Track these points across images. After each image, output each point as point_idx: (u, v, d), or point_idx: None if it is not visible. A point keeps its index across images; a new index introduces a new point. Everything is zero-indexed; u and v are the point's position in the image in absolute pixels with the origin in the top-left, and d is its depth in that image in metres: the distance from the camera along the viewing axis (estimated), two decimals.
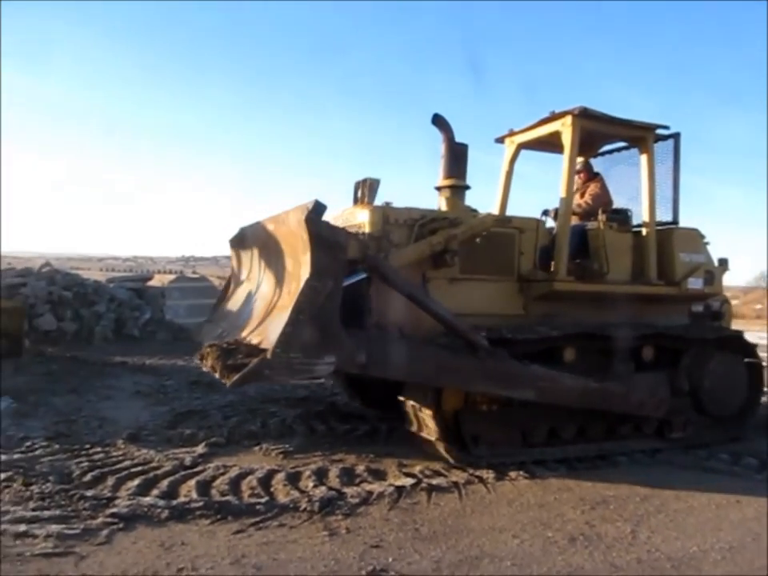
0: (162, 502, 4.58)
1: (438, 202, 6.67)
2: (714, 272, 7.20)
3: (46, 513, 4.41)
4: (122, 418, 7.16)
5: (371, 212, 5.80)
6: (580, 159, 7.27)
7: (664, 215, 7.33)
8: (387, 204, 5.95)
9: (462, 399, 5.70)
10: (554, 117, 6.71)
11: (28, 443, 6.06)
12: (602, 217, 6.78)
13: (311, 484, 5.08)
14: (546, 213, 6.95)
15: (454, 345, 5.41)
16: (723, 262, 7.44)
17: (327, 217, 4.90)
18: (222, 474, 5.28)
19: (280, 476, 5.25)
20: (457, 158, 6.58)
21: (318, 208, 4.63)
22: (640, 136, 6.98)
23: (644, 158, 7.04)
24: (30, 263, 18.15)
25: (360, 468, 5.55)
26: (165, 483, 5.00)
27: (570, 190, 6.59)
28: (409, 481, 5.22)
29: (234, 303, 6.86)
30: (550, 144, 7.09)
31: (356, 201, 6.10)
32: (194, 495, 4.75)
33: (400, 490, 5.02)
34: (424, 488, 5.11)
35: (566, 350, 6.04)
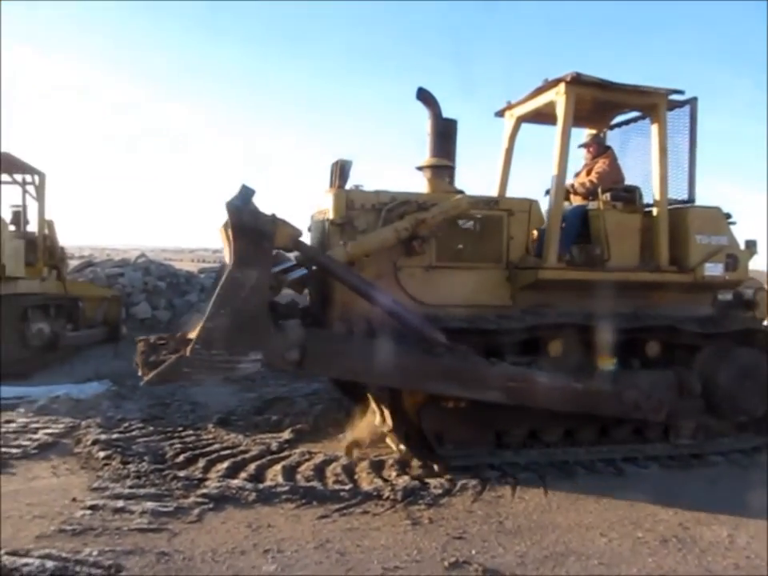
0: (249, 485, 4.70)
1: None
2: (737, 256, 6.26)
3: (142, 491, 4.61)
4: (212, 403, 7.39)
5: (334, 196, 5.43)
6: (590, 132, 6.77)
7: (679, 193, 6.52)
8: (356, 187, 5.54)
9: (426, 394, 5.25)
10: (548, 86, 5.98)
11: (126, 424, 6.36)
12: (602, 196, 6.09)
13: (394, 473, 5.10)
14: (549, 193, 6.30)
15: (407, 341, 4.92)
16: (751, 245, 6.49)
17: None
18: (307, 460, 5.38)
19: (364, 464, 5.30)
20: (444, 135, 6.07)
21: (244, 193, 4.42)
22: (650, 103, 6.10)
23: (655, 127, 6.13)
24: (127, 255, 19.01)
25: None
26: (252, 467, 5.13)
27: (562, 165, 5.82)
28: (493, 473, 5.15)
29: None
30: (550, 116, 6.22)
31: (331, 184, 5.71)
32: (280, 480, 4.85)
33: (484, 482, 4.97)
34: (509, 481, 5.03)
35: (551, 344, 5.50)
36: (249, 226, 4.34)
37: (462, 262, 5.64)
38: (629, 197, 6.28)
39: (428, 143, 6.11)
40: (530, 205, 5.87)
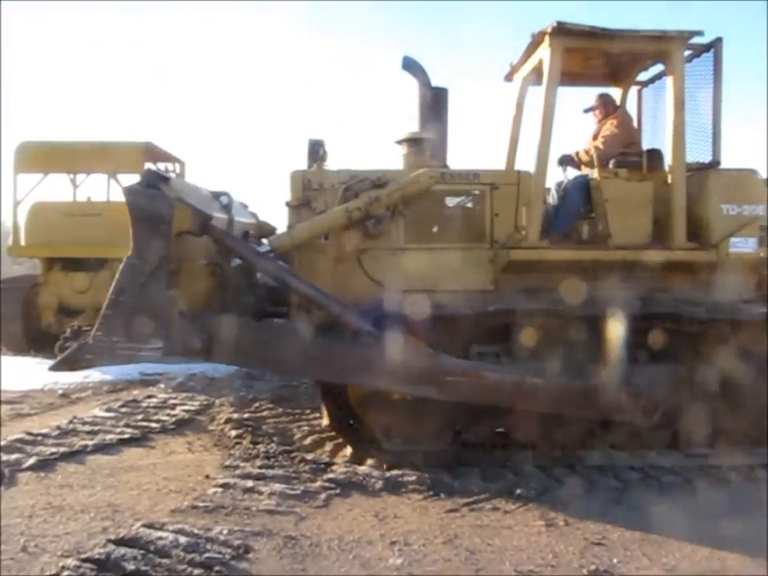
0: (376, 473, 4.60)
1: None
2: None
3: (270, 471, 4.63)
4: None
5: (290, 177, 5.06)
6: (600, 91, 6.00)
7: (702, 154, 5.55)
8: (319, 164, 5.14)
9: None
10: (535, 41, 5.27)
11: (256, 404, 6.49)
12: (597, 163, 5.31)
13: (528, 469, 4.82)
14: (563, 161, 5.70)
15: (329, 330, 4.59)
16: None
17: None
18: None
19: None
20: (433, 105, 5.48)
21: (149, 177, 4.27)
22: (662, 50, 5.17)
23: (670, 80, 5.20)
24: None
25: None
26: None
27: (546, 130, 5.06)
28: (634, 475, 4.75)
29: None
30: None
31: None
32: (407, 469, 4.71)
33: (625, 483, 4.59)
34: (653, 484, 4.63)
35: (520, 333, 4.82)
36: (145, 210, 4.16)
37: (435, 243, 5.09)
38: (634, 162, 5.35)
39: (417, 115, 5.56)
40: (519, 177, 5.14)
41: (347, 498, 4.27)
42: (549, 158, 5.16)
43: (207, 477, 4.57)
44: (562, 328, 4.79)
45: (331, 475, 4.56)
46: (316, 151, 5.16)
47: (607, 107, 5.90)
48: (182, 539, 3.55)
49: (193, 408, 6.37)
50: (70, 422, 5.80)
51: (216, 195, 5.28)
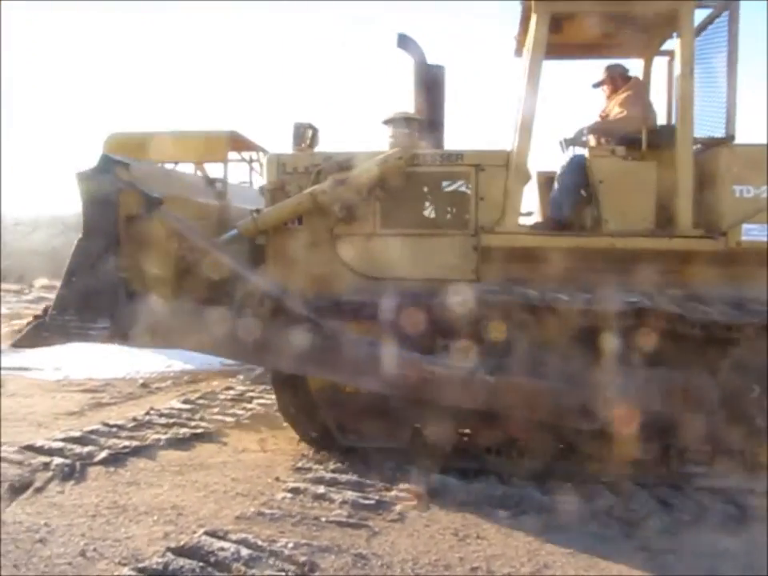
0: (459, 484, 4.21)
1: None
2: None
3: (344, 477, 4.31)
4: None
5: (266, 161, 4.96)
6: (614, 62, 5.27)
7: (714, 128, 4.90)
8: (308, 148, 4.98)
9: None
10: (525, 9, 4.79)
11: None
12: (590, 139, 4.78)
13: (634, 489, 4.27)
14: (562, 142, 5.04)
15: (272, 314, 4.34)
16: None
17: None
18: None
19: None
20: (429, 84, 5.09)
21: (102, 162, 4.26)
22: (669, 11, 4.53)
23: (677, 43, 4.53)
24: None
25: None
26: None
27: (529, 105, 4.58)
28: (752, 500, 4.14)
29: None
30: (556, 47, 4.92)
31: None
32: (493, 481, 4.30)
33: (742, 509, 4.00)
34: None
35: (490, 327, 4.30)
36: (94, 193, 4.25)
37: (413, 229, 4.74)
38: (634, 139, 4.67)
39: (412, 95, 5.14)
40: (508, 157, 4.67)
41: (425, 511, 3.91)
42: (531, 134, 4.61)
43: (277, 479, 4.31)
44: (537, 324, 4.30)
45: (407, 484, 4.20)
46: (301, 134, 5.03)
47: (616, 80, 5.26)
48: (244, 551, 3.29)
49: (269, 402, 6.15)
50: (147, 413, 5.71)
51: (210, 182, 5.28)
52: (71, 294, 4.31)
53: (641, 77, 5.45)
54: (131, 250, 4.31)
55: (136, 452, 4.76)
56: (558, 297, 4.19)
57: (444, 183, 4.77)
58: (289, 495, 4.04)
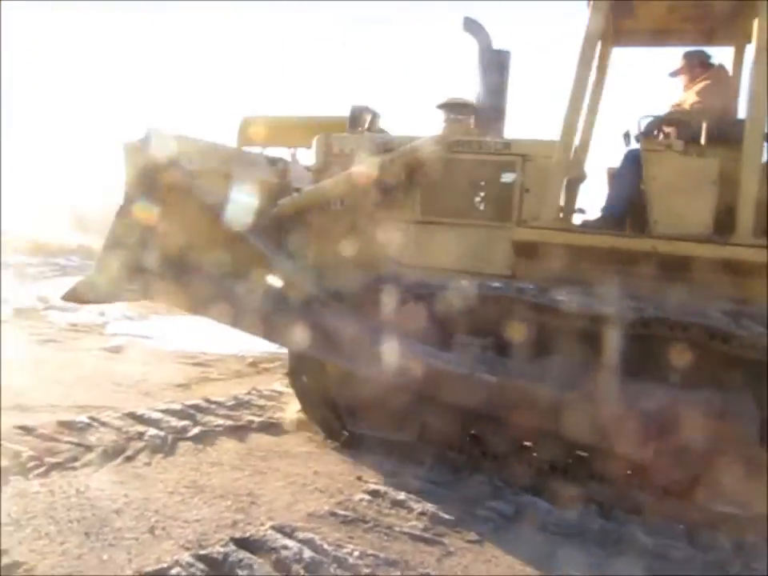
0: (551, 508, 3.83)
1: None
2: None
3: (428, 486, 4.06)
4: None
5: (316, 141, 4.99)
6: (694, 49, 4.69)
7: None
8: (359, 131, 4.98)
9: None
10: None
11: None
12: (634, 131, 4.33)
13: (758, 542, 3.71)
14: (627, 135, 4.47)
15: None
16: None
17: None
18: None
19: None
20: (494, 69, 4.87)
21: (148, 134, 4.27)
22: None
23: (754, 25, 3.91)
24: None
25: None
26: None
27: (577, 94, 4.25)
28: None
29: None
30: (627, 33, 4.81)
31: None
32: (591, 510, 3.88)
33: None
34: None
35: (509, 327, 4.04)
36: (137, 164, 4.33)
37: (453, 218, 4.61)
38: (693, 133, 4.14)
39: (476, 79, 4.92)
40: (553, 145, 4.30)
41: (508, 536, 3.57)
42: (576, 123, 4.38)
43: (359, 478, 4.13)
44: (557, 327, 4.01)
45: (495, 503, 3.88)
46: (357, 118, 5.04)
47: (695, 68, 4.66)
48: (307, 553, 3.13)
49: None
50: (248, 392, 5.73)
51: (272, 161, 5.31)
52: (109, 256, 4.47)
53: (730, 67, 4.80)
54: (168, 219, 4.39)
55: (228, 431, 4.76)
56: (556, 298, 3.95)
57: (489, 172, 4.59)
58: (367, 497, 3.85)
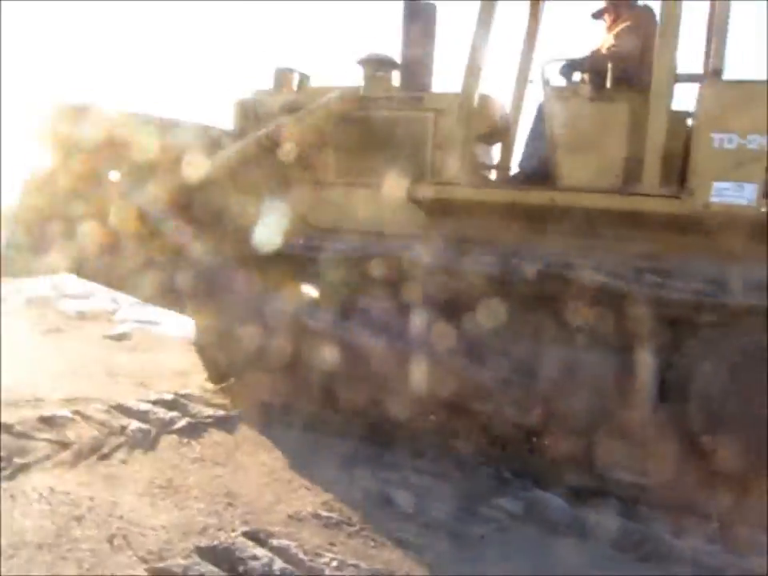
0: (564, 507, 3.39)
1: None
2: None
3: (428, 481, 3.65)
4: None
5: (234, 105, 4.83)
6: None
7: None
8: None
9: None
10: None
11: None
12: (542, 74, 4.08)
13: None
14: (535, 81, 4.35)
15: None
16: None
17: None
18: None
19: None
20: (417, 24, 4.45)
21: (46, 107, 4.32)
22: None
23: None
24: None
25: None
26: None
27: (478, 41, 4.02)
28: None
29: None
30: None
31: None
32: (611, 509, 3.42)
33: None
34: None
35: (403, 287, 3.95)
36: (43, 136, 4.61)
37: (365, 178, 4.32)
38: (598, 79, 3.87)
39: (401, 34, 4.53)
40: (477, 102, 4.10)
41: (512, 537, 3.15)
42: (478, 75, 4.06)
43: (353, 473, 3.75)
44: (453, 287, 3.84)
45: (503, 500, 3.45)
46: (281, 79, 4.78)
47: (617, 10, 4.30)
48: (278, 564, 2.77)
49: None
50: None
51: (206, 129, 4.92)
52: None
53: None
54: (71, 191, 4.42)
55: (218, 423, 4.41)
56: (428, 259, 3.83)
57: (401, 129, 4.31)
58: (358, 495, 3.47)
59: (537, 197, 3.85)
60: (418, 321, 3.95)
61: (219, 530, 3.08)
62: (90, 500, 3.31)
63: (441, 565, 2.90)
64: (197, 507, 3.30)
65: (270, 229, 4.29)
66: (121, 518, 3.17)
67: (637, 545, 3.12)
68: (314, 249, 4.24)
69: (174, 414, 4.46)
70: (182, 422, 4.33)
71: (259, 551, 2.87)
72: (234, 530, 3.06)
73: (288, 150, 4.29)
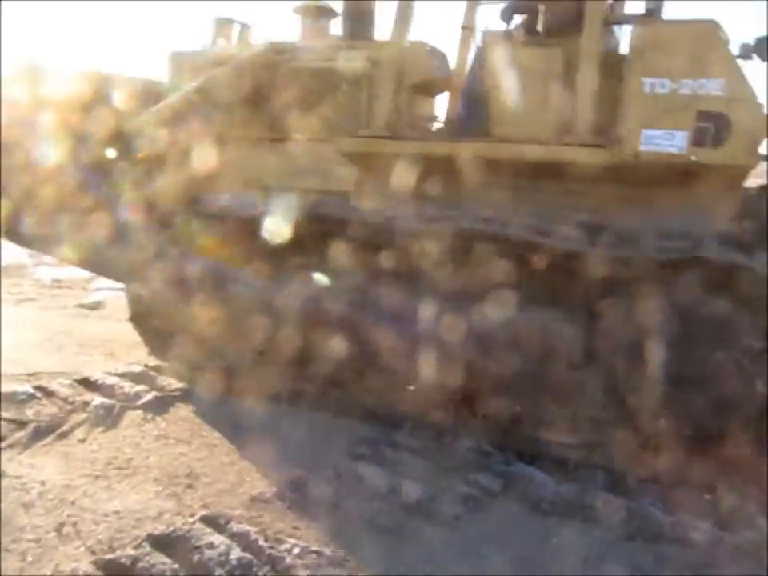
0: (546, 480, 3.19)
1: None
2: (730, 118, 3.07)
3: (408, 458, 3.45)
4: None
5: (168, 59, 4.61)
6: None
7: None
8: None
9: None
10: None
11: None
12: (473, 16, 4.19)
13: None
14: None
15: None
16: None
17: None
18: None
19: None
20: None
21: None
22: None
23: None
24: None
25: None
26: None
27: None
28: None
29: None
30: None
31: None
32: (588, 483, 3.22)
33: None
34: None
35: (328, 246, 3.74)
36: None
37: (302, 134, 4.10)
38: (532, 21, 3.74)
39: None
40: (405, 51, 3.86)
41: (489, 516, 2.96)
42: (412, 13, 3.77)
43: (323, 449, 3.53)
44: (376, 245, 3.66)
45: (481, 476, 3.24)
46: (220, 31, 4.61)
47: None
48: (235, 553, 2.59)
49: None
50: None
51: (133, 83, 4.78)
52: None
53: None
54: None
55: (186, 396, 4.19)
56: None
57: (335, 81, 4.03)
58: (330, 473, 3.26)
59: (464, 149, 3.59)
60: (340, 283, 3.84)
61: (177, 514, 2.89)
62: (41, 484, 3.11)
63: (411, 548, 2.71)
64: (155, 490, 3.10)
65: (203, 188, 4.10)
66: (73, 503, 2.98)
67: (624, 521, 2.93)
68: (226, 209, 4.08)
69: (141, 387, 4.25)
70: (149, 396, 4.12)
71: (216, 538, 2.68)
72: (192, 515, 2.86)
73: (217, 105, 4.10)
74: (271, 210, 3.85)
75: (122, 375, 4.44)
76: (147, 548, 2.61)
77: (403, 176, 3.66)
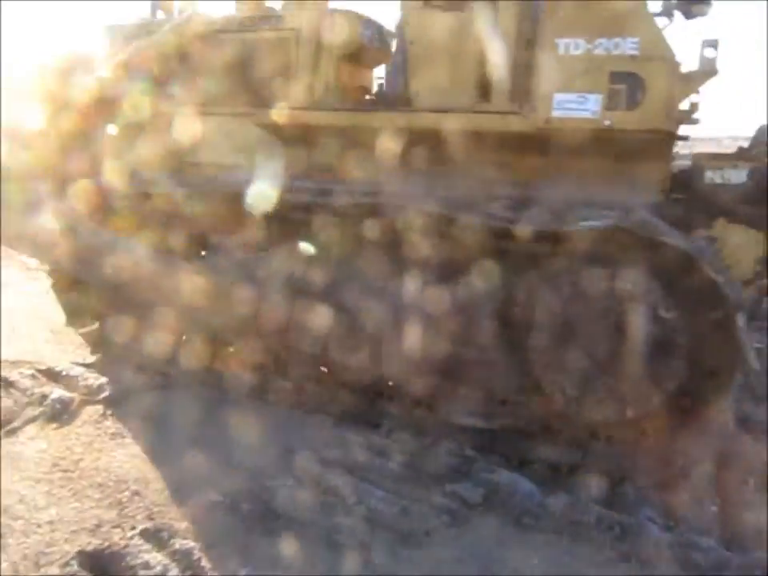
0: (534, 489, 2.87)
1: None
2: (645, 78, 2.87)
3: (384, 463, 3.13)
4: None
5: (102, 30, 4.40)
6: None
7: None
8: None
9: None
10: None
11: None
12: None
13: None
14: None
15: None
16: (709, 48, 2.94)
17: None
18: None
19: None
20: None
21: None
22: None
23: None
24: None
25: None
26: None
27: None
28: None
29: None
30: None
31: None
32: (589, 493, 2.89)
33: None
34: None
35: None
36: None
37: (230, 107, 3.88)
38: None
39: None
40: (334, 18, 3.65)
41: (466, 532, 2.64)
42: None
43: (290, 450, 3.22)
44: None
45: (460, 486, 2.92)
46: (160, 6, 4.31)
47: None
48: (172, 574, 2.28)
49: None
50: None
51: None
52: None
53: None
54: None
55: (155, 387, 3.91)
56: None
57: (262, 52, 3.79)
58: (291, 481, 2.95)
59: (381, 119, 3.38)
60: (271, 261, 3.73)
61: (116, 527, 2.61)
62: None
63: (370, 570, 2.40)
64: (97, 496, 2.82)
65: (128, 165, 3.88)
66: (5, 511, 2.70)
67: (617, 539, 2.60)
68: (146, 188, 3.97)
69: (106, 379, 3.97)
70: (112, 389, 3.83)
71: (154, 557, 2.40)
72: (133, 528, 2.57)
73: (143, 77, 3.91)
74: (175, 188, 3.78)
75: (89, 365, 4.18)
76: (74, 566, 2.33)
77: (325, 149, 3.48)
